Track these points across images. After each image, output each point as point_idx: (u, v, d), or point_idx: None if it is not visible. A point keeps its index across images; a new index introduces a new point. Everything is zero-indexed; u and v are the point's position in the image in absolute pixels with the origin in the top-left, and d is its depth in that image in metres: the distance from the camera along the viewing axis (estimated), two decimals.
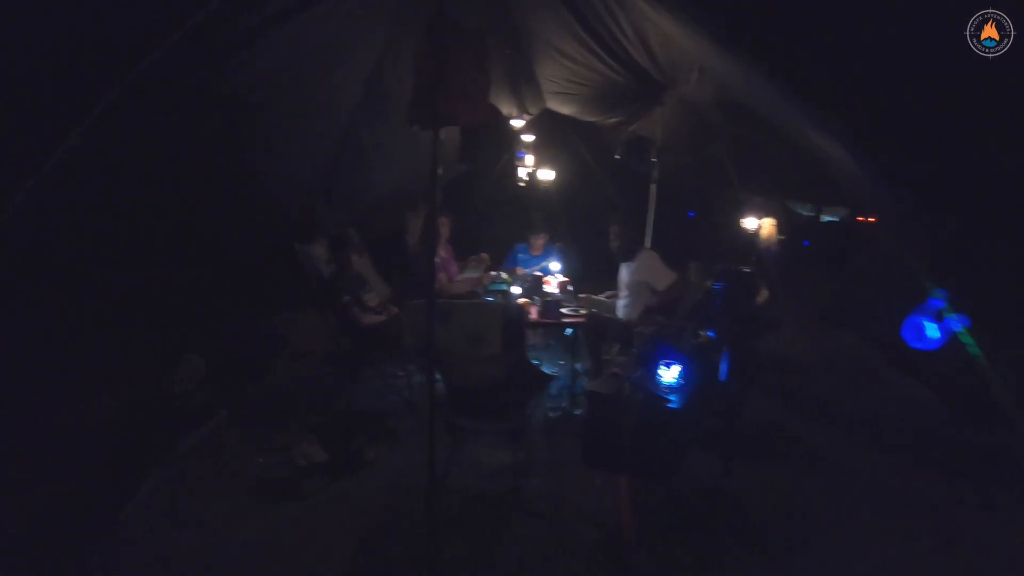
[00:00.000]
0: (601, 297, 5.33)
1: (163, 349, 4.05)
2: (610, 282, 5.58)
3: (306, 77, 3.93)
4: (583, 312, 4.72)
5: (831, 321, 6.66)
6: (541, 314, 4.59)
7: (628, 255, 4.76)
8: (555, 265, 5.86)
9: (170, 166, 3.49)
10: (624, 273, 4.80)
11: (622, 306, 4.81)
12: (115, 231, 3.43)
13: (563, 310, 4.65)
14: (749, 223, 3.23)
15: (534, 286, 5.22)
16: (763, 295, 3.06)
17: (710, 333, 3.16)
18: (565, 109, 6.50)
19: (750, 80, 3.43)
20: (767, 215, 3.34)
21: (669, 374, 3.20)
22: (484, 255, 5.90)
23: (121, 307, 3.65)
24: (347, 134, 4.99)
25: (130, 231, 3.54)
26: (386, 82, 4.59)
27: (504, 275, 5.90)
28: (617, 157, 5.60)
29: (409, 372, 5.16)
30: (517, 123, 6.02)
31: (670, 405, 3.09)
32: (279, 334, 5.24)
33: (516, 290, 5.00)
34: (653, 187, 5.64)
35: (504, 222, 7.06)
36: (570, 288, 5.51)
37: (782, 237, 3.39)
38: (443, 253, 5.60)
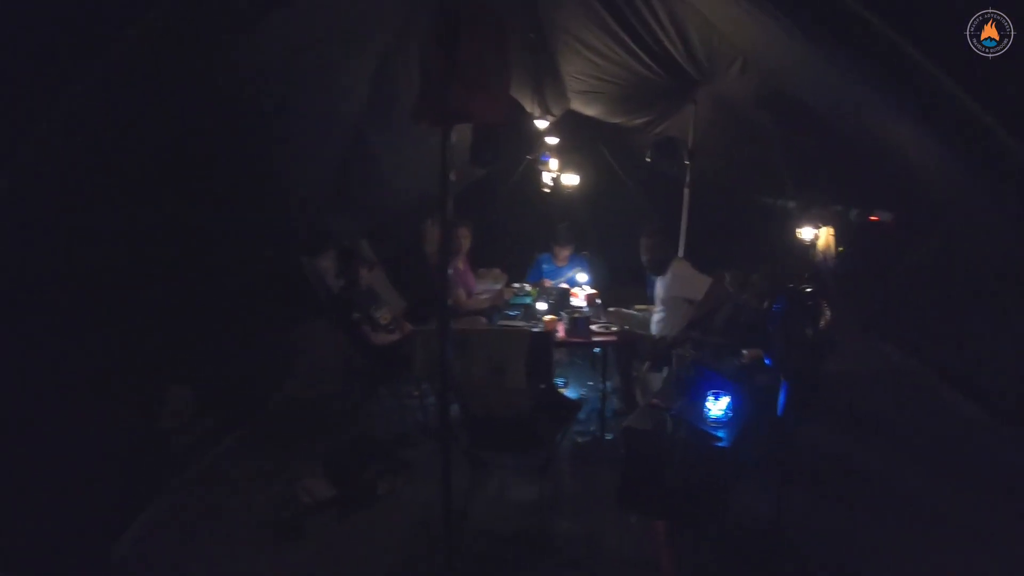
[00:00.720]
0: (632, 311, 4.96)
1: (158, 374, 3.74)
2: (640, 292, 5.19)
3: (309, 72, 3.61)
4: (614, 329, 4.33)
5: (875, 332, 6.22)
6: (569, 332, 4.21)
7: (660, 268, 4.39)
8: (582, 276, 5.49)
9: (160, 170, 3.18)
10: (658, 287, 4.43)
11: (656, 321, 4.43)
12: (104, 243, 3.12)
13: (593, 327, 4.26)
14: (805, 233, 2.84)
15: (561, 300, 4.84)
16: (826, 318, 2.65)
17: (766, 360, 2.76)
18: (590, 110, 6.14)
19: (813, 70, 3.06)
20: (823, 223, 2.93)
21: (717, 406, 2.82)
22: (496, 271, 5.56)
23: (115, 325, 3.35)
24: (357, 136, 4.67)
25: (121, 243, 3.24)
26: (397, 77, 4.26)
27: (528, 287, 5.54)
28: (648, 160, 5.21)
29: (424, 392, 4.80)
30: (541, 123, 5.67)
31: (718, 443, 2.70)
32: (287, 353, 4.93)
33: (542, 306, 4.61)
34: (686, 192, 5.24)
35: (526, 231, 6.68)
36: (599, 301, 5.13)
37: (841, 249, 2.97)
38: (461, 265, 5.26)
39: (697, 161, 5.07)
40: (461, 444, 3.30)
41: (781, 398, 2.71)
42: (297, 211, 4.75)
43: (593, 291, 5.24)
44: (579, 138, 6.62)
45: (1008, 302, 3.67)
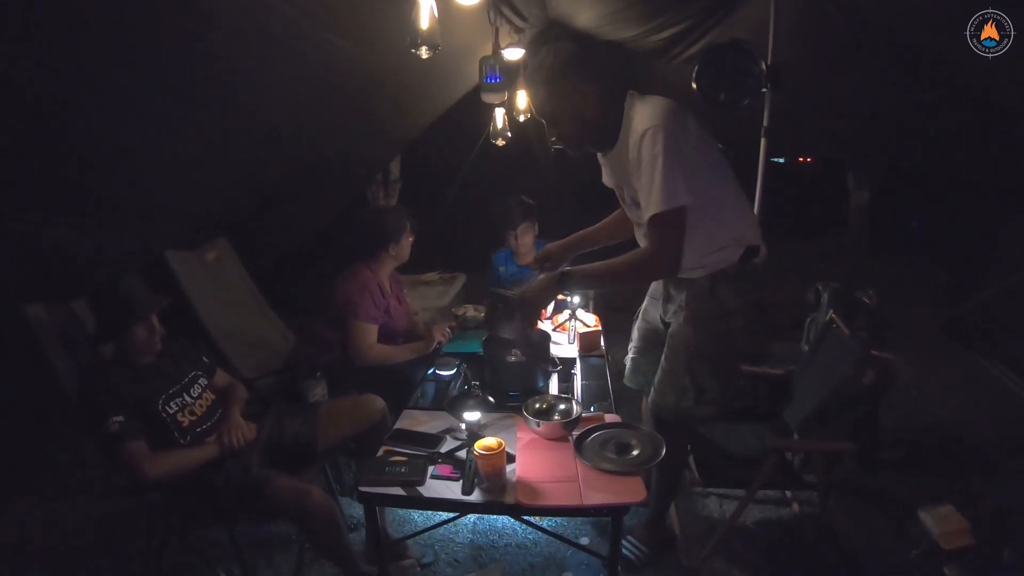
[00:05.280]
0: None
1: None
2: None
3: None
4: (637, 455, 1.93)
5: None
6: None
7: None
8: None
9: None
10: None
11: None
12: None
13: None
14: None
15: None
16: None
17: None
18: (582, 15, 3.80)
19: None
20: None
21: None
22: (434, 276, 3.30)
23: None
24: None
25: None
26: None
27: (473, 311, 3.22)
28: (694, 85, 2.91)
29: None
30: (511, 53, 3.21)
31: None
32: None
33: (472, 415, 2.00)
34: (763, 142, 2.96)
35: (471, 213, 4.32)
36: (603, 345, 2.83)
37: None
38: (387, 284, 2.95)
39: (784, 85, 2.78)
40: None
41: None
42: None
43: (593, 322, 2.91)
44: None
45: None
